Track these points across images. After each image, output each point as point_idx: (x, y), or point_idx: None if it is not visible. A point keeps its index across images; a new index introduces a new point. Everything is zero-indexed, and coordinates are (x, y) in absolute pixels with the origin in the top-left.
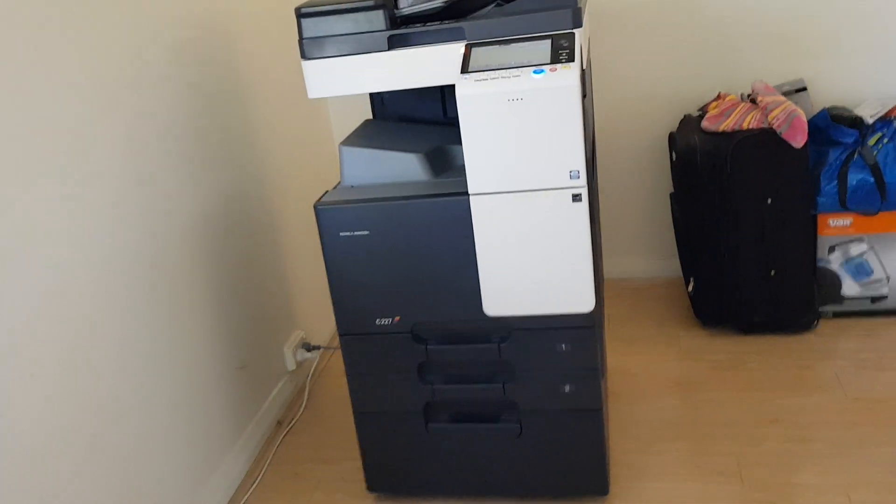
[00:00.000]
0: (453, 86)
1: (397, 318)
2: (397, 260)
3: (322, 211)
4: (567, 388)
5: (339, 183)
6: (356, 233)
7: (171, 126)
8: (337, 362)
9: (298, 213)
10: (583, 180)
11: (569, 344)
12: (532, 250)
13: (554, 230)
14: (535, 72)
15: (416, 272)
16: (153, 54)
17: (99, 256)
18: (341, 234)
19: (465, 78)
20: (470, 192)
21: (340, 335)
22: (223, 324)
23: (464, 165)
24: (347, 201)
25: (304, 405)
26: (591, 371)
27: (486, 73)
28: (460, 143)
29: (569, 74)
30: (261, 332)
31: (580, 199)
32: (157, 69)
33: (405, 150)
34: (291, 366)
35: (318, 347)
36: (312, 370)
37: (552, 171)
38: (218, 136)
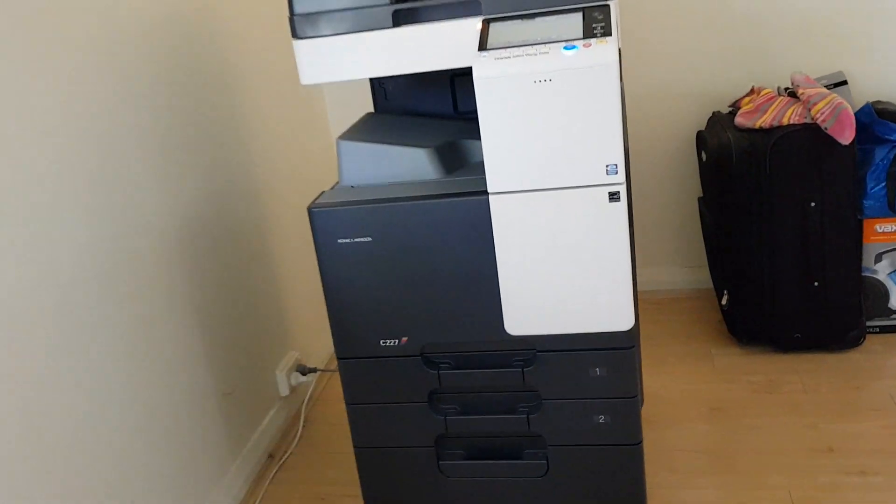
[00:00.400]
0: (465, 76)
1: (405, 340)
2: (404, 271)
3: (317, 214)
4: (601, 419)
5: (338, 183)
6: (356, 239)
7: (143, 117)
8: (336, 386)
9: (292, 218)
10: (621, 176)
11: (604, 367)
12: (562, 258)
13: (587, 235)
14: (565, 48)
15: (426, 285)
16: (123, 34)
17: (59, 273)
18: (339, 240)
19: (484, 57)
20: (489, 190)
21: (339, 359)
22: (206, 345)
23: (480, 162)
24: (346, 203)
25: (298, 436)
26: (628, 399)
27: (507, 50)
28: (474, 138)
29: (606, 50)
30: (250, 354)
31: (618, 199)
32: (128, 52)
33: (412, 145)
34: (285, 391)
35: (314, 370)
36: (308, 395)
37: (586, 166)
38: (200, 130)
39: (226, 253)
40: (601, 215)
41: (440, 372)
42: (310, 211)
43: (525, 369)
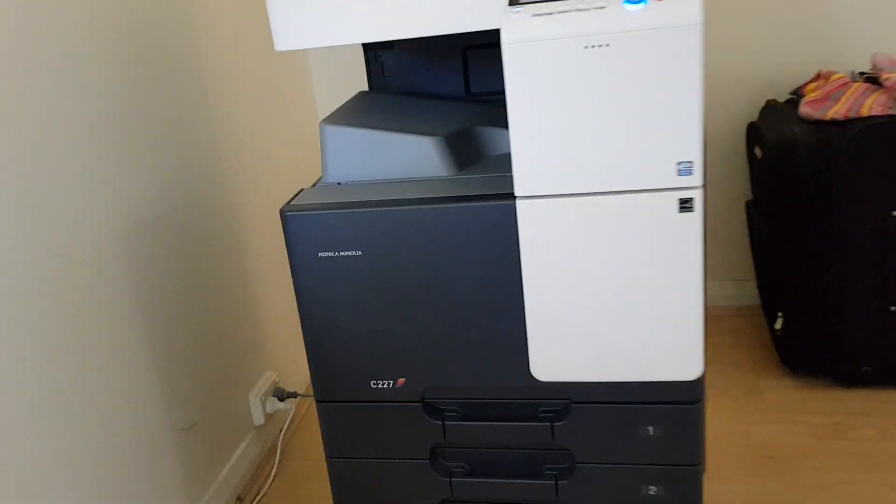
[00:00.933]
0: (480, 48)
1: (402, 381)
2: (403, 295)
3: (292, 219)
4: (652, 491)
5: (321, 179)
6: (342, 253)
7: (90, 97)
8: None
9: (271, 218)
10: (697, 178)
11: (659, 426)
12: (610, 285)
13: (647, 254)
14: (628, 1)
15: (430, 314)
16: (64, 7)
17: None
18: (321, 253)
19: (516, 13)
20: (517, 193)
21: (318, 402)
22: (160, 370)
23: (501, 156)
24: (330, 206)
25: (273, 473)
26: (689, 466)
27: (548, 4)
28: (496, 125)
29: (687, 5)
30: (218, 377)
31: (691, 208)
32: (72, 26)
33: (416, 133)
34: (259, 420)
35: (294, 395)
36: (287, 424)
37: (650, 164)
38: (158, 114)
39: (188, 259)
40: (667, 229)
41: (445, 423)
42: (283, 214)
43: (555, 423)
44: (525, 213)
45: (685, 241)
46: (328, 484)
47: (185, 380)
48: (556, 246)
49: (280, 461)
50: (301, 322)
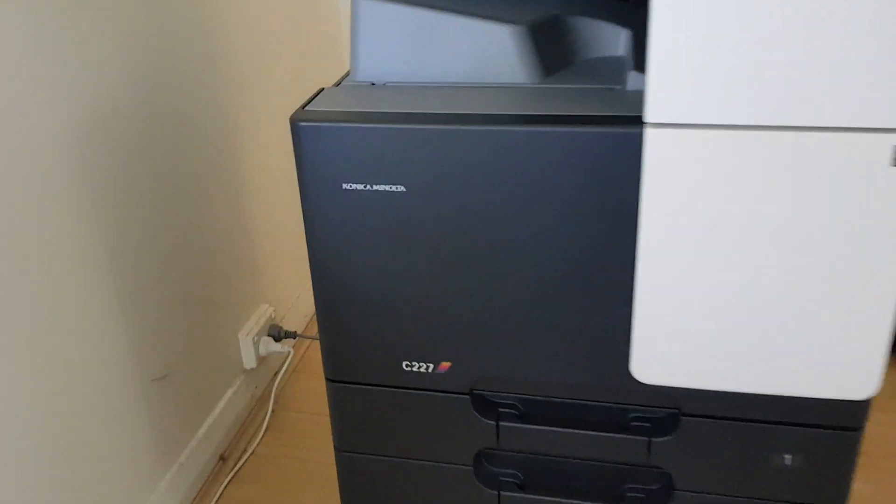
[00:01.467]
0: None
1: (445, 365)
2: (459, 251)
3: (307, 132)
4: None
5: (348, 75)
6: (376, 187)
7: None
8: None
9: (275, 116)
10: None
11: (800, 454)
12: (770, 261)
13: (834, 224)
14: None
15: (494, 280)
16: None
17: None
18: (346, 185)
19: None
20: (649, 119)
21: (329, 381)
22: (131, 304)
23: (602, 59)
24: (361, 116)
25: (264, 427)
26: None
27: None
28: (594, 16)
29: None
30: (201, 313)
31: None
32: None
33: (487, 18)
34: (250, 362)
35: (293, 335)
36: (284, 369)
37: (860, 89)
38: None
39: (162, 163)
40: (871, 190)
41: (500, 423)
42: (294, 124)
43: (654, 439)
44: (658, 147)
45: (894, 209)
46: (330, 444)
47: (158, 318)
48: (698, 199)
49: (273, 412)
50: (312, 275)
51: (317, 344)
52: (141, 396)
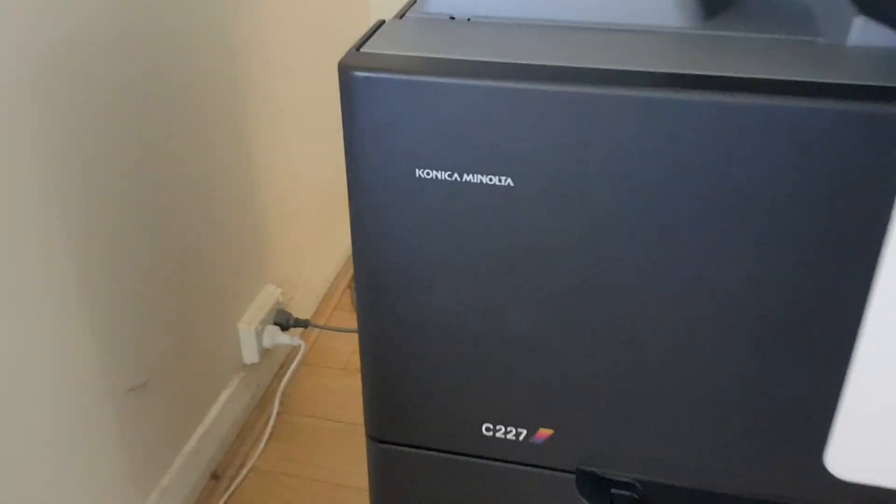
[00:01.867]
0: None
1: (544, 433)
2: (584, 279)
3: (365, 84)
4: None
5: (414, 2)
6: (468, 178)
7: None
8: (330, 350)
9: (287, 41)
10: None
11: None
12: None
13: None
14: None
15: (630, 320)
16: None
17: None
18: (420, 172)
19: None
20: None
21: (371, 439)
22: (101, 295)
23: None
24: (452, 67)
25: (266, 438)
26: None
27: None
28: None
29: None
30: (192, 299)
31: None
32: None
33: None
34: (252, 357)
35: (304, 324)
36: (294, 367)
37: None
38: None
39: (145, 108)
40: None
41: None
42: (345, 71)
43: None
44: None
45: None
46: (347, 458)
47: (135, 308)
48: None
49: (278, 416)
50: (357, 299)
51: (325, 334)
52: (112, 411)
